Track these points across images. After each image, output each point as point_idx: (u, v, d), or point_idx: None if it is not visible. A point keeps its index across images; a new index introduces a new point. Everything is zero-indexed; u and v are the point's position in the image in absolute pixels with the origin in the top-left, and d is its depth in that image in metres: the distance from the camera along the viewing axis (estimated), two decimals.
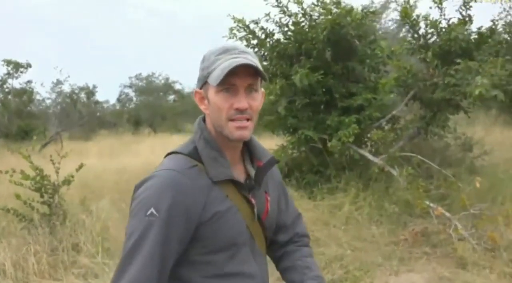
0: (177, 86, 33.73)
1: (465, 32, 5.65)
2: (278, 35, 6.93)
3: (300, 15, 6.74)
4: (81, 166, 5.06)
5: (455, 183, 5.23)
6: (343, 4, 6.39)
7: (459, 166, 6.92)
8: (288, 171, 6.63)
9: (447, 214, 4.93)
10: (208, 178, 1.16)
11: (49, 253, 4.38)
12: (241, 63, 1.11)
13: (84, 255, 4.33)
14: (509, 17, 9.36)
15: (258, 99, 1.20)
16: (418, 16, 6.24)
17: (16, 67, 26.75)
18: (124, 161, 11.15)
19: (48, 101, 29.19)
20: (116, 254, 4.49)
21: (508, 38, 5.30)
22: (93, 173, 8.60)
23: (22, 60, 26.51)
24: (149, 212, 1.09)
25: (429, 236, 4.80)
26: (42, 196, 4.85)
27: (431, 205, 5.10)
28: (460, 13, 6.27)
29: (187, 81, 36.68)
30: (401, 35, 12.83)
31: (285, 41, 6.72)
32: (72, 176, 4.99)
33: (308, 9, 6.54)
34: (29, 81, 27.62)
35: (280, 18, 6.72)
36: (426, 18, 6.20)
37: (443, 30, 5.96)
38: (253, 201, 1.23)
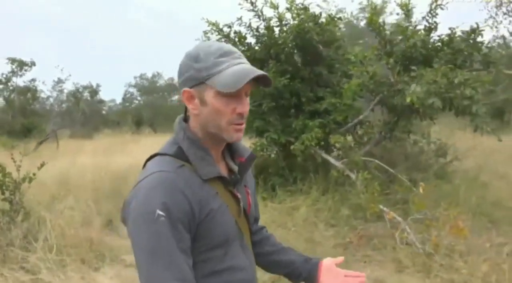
0: None
1: (426, 39, 5.71)
2: (250, 39, 7.08)
3: (274, 19, 6.88)
4: (42, 165, 5.20)
5: (409, 187, 5.30)
6: (312, 10, 6.53)
7: (429, 171, 6.99)
8: (255, 173, 6.74)
9: (398, 218, 5.01)
10: (198, 176, 1.17)
11: (4, 249, 4.54)
12: (255, 75, 1.12)
13: (36, 251, 4.47)
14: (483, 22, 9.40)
15: (249, 103, 1.22)
16: (383, 22, 6.33)
17: (21, 65, 27.20)
18: (115, 160, 11.34)
19: (51, 100, 29.53)
20: (73, 252, 4.66)
21: (464, 46, 5.33)
22: (77, 171, 8.82)
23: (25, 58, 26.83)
24: (156, 215, 1.07)
25: (376, 240, 4.88)
26: (3, 193, 5.00)
27: (384, 209, 5.19)
28: (427, 20, 6.35)
29: None
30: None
31: (256, 45, 6.85)
32: (34, 174, 5.14)
33: (282, 14, 6.64)
34: (33, 80, 28.07)
35: (251, 23, 6.84)
36: (394, 25, 6.28)
37: (406, 36, 6.04)
38: (238, 195, 1.26)
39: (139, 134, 27.30)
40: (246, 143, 7.96)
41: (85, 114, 30.67)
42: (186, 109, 1.25)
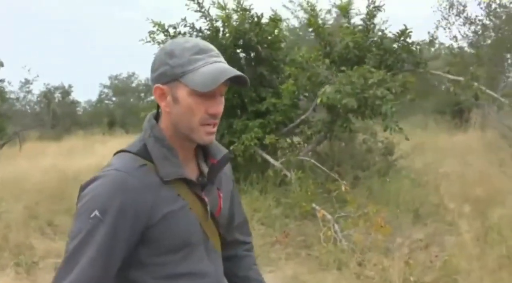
0: None
1: (360, 40, 5.83)
2: None
3: (220, 20, 6.92)
4: None
5: (341, 185, 5.40)
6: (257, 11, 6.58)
7: (372, 169, 7.13)
8: None
9: (328, 216, 5.11)
10: (159, 177, 1.12)
11: None
12: (232, 75, 1.09)
13: None
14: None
15: (223, 104, 1.18)
16: (323, 23, 6.42)
17: None
18: (75, 161, 11.24)
19: (22, 101, 28.99)
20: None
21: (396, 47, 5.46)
22: (28, 174, 8.70)
23: None
24: (92, 215, 1.04)
25: (305, 237, 4.97)
26: None
27: (316, 207, 5.28)
28: (364, 22, 6.47)
29: None
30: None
31: None
32: None
33: (223, 15, 6.69)
34: (1, 80, 27.53)
35: (194, 24, 6.88)
36: (332, 26, 6.38)
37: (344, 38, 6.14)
38: (206, 199, 1.20)
39: (111, 135, 27.01)
40: None
41: (56, 115, 30.18)
42: (158, 107, 1.19)
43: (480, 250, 3.71)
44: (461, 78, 5.12)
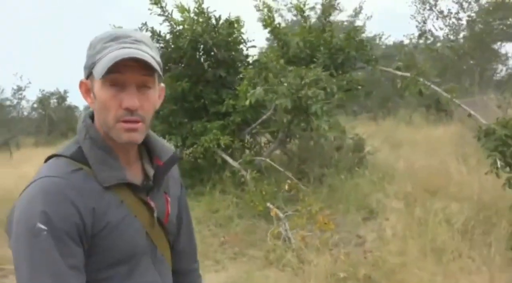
0: None
1: (312, 40, 5.88)
2: (157, 44, 7.18)
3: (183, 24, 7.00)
4: None
5: (295, 184, 5.47)
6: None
7: (340, 166, 7.17)
8: None
9: (281, 215, 5.17)
10: (97, 182, 1.01)
11: None
12: (129, 56, 0.96)
13: None
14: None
15: (152, 98, 1.05)
16: (279, 24, 6.48)
17: None
18: None
19: (15, 108, 29.20)
20: None
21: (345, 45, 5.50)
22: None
23: None
24: (36, 230, 0.92)
25: (255, 236, 5.04)
26: None
27: (270, 206, 5.35)
28: (321, 21, 6.52)
29: None
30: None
31: (161, 49, 6.96)
32: None
33: (177, 20, 6.77)
34: None
35: (153, 28, 6.96)
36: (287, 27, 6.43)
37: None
38: (152, 204, 1.10)
39: None
40: None
41: (52, 121, 30.39)
42: None
43: (404, 244, 3.77)
44: (407, 74, 5.16)
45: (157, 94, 1.08)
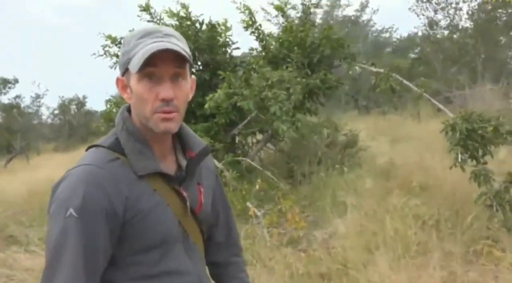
0: None
1: (287, 40, 5.93)
2: None
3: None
4: None
5: (272, 183, 5.55)
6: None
7: (329, 163, 7.21)
8: None
9: (258, 213, 5.26)
10: (133, 172, 1.08)
11: None
12: (162, 48, 1.02)
13: None
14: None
15: (185, 89, 1.11)
16: (260, 25, 6.56)
17: (4, 83, 27.81)
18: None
19: (43, 116, 30.18)
20: None
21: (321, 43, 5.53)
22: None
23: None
24: (68, 214, 1.00)
25: None
26: None
27: (249, 205, 5.44)
28: (302, 20, 6.56)
29: None
30: None
31: None
32: None
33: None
34: (18, 96, 28.64)
35: None
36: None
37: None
38: (184, 194, 1.15)
39: None
40: None
41: (72, 126, 31.19)
42: None
43: (367, 239, 3.82)
44: (381, 70, 5.18)
45: (189, 85, 1.14)
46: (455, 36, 10.57)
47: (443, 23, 11.04)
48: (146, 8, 7.36)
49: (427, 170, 5.77)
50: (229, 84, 5.86)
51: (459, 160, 4.01)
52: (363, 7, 18.73)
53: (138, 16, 7.44)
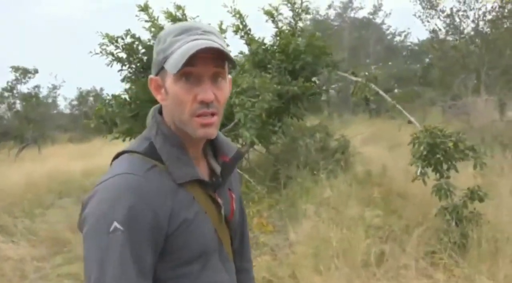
0: None
1: (271, 47, 6.00)
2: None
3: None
4: None
5: (250, 186, 5.65)
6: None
7: (314, 168, 7.27)
8: None
9: None
10: (171, 180, 1.00)
11: None
12: (203, 47, 0.94)
13: None
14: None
15: (225, 89, 1.03)
16: (250, 30, 6.66)
17: (24, 73, 28.50)
18: (71, 166, 12.01)
19: (60, 106, 30.82)
20: None
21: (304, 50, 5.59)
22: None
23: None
24: (112, 228, 0.91)
25: None
26: None
27: None
28: (290, 26, 6.64)
29: None
30: None
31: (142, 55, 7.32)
32: None
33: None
34: (37, 86, 29.32)
35: (135, 34, 7.30)
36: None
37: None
38: (219, 200, 1.10)
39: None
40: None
41: (88, 118, 31.67)
42: None
43: (318, 248, 3.90)
44: (359, 79, 5.22)
45: (228, 85, 1.07)
46: (459, 43, 10.46)
47: (446, 30, 10.93)
48: (144, 8, 7.53)
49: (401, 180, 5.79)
50: None
51: (418, 172, 4.05)
52: (376, 9, 18.60)
53: (136, 16, 7.61)
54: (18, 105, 27.98)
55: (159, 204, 0.96)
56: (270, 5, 6.74)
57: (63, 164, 12.60)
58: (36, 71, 28.66)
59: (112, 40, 7.50)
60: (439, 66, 11.35)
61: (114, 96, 7.04)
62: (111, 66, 7.59)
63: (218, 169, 1.13)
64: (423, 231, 4.18)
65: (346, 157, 7.86)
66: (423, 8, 11.10)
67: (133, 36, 7.29)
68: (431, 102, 11.28)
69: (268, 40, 6.71)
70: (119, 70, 7.44)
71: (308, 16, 6.52)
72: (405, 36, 19.88)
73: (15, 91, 29.03)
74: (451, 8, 10.67)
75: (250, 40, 6.14)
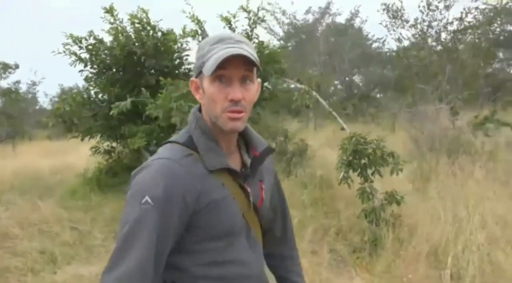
0: None
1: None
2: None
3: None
4: None
5: None
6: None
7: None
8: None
9: None
10: (204, 167, 1.17)
11: None
12: (234, 54, 1.11)
13: None
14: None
15: (252, 91, 1.20)
16: (208, 35, 6.87)
17: (5, 68, 28.28)
18: (39, 162, 12.08)
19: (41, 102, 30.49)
20: None
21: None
22: None
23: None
24: (143, 200, 1.08)
25: None
26: None
27: None
28: (246, 33, 6.86)
29: None
30: None
31: (104, 56, 7.49)
32: None
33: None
34: (18, 82, 29.11)
35: (97, 36, 7.49)
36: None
37: None
38: (248, 189, 1.25)
39: None
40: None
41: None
42: None
43: None
44: (302, 86, 5.47)
45: (255, 88, 1.23)
46: (421, 53, 10.83)
47: (410, 40, 11.30)
48: (109, 10, 7.71)
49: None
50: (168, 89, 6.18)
51: (341, 176, 4.32)
52: (353, 16, 18.97)
53: (101, 17, 7.78)
54: None
55: (189, 186, 1.13)
56: (228, 12, 6.97)
57: (34, 161, 12.65)
58: (17, 66, 28.42)
59: (76, 40, 7.67)
60: (403, 74, 11.70)
61: (71, 95, 7.21)
62: (75, 66, 7.76)
63: (248, 161, 1.29)
64: (349, 231, 4.44)
65: (302, 160, 8.13)
66: (389, 17, 11.42)
67: (95, 37, 7.47)
68: (387, 109, 11.59)
69: None
70: (80, 71, 7.62)
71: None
72: (383, 43, 20.26)
73: None
74: (415, 19, 11.01)
75: None
